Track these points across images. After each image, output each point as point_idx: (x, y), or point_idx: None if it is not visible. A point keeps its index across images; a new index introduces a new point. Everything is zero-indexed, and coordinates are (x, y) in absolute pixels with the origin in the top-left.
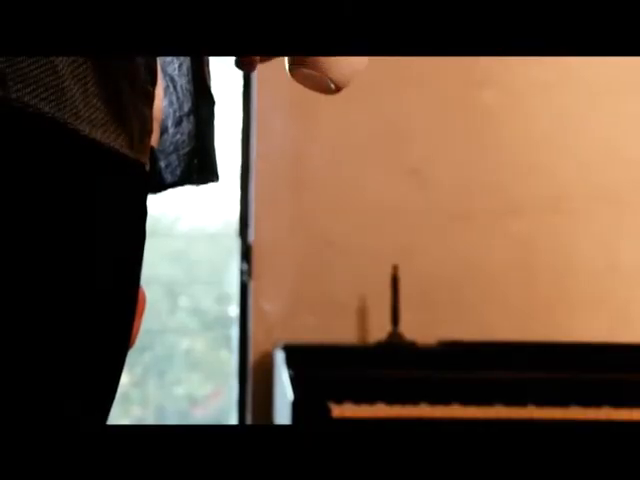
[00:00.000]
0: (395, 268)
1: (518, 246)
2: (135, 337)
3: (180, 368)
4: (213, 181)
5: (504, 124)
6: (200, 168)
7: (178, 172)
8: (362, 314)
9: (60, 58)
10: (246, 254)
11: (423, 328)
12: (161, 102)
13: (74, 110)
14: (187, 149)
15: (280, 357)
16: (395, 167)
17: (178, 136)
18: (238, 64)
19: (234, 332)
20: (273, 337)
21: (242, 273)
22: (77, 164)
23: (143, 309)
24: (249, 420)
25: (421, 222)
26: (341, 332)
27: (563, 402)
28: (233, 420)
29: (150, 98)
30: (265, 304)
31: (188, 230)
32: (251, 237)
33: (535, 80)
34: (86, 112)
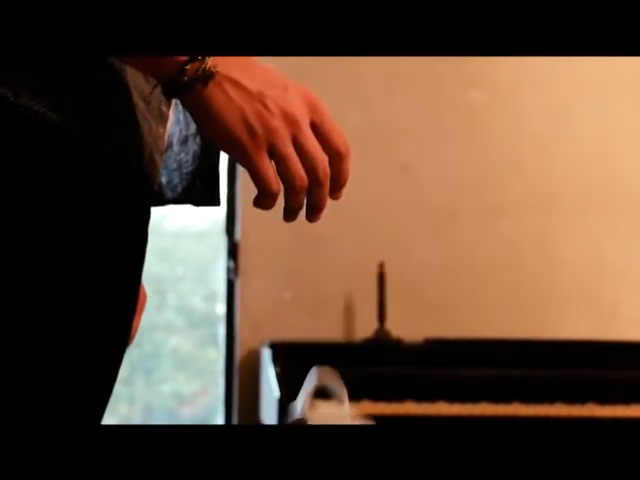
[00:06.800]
0: (382, 265)
1: (506, 244)
2: (134, 334)
3: (167, 366)
4: (213, 205)
5: (493, 123)
6: (202, 190)
7: (179, 190)
8: (349, 311)
9: (72, 70)
10: (233, 252)
11: (410, 325)
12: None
13: (84, 123)
14: (190, 169)
15: (267, 355)
16: (383, 165)
17: (182, 155)
18: (256, 203)
19: (221, 330)
20: (260, 335)
21: (229, 271)
22: (80, 172)
23: (143, 306)
24: (236, 418)
25: (409, 220)
26: (328, 329)
27: (548, 399)
28: (220, 418)
29: (164, 118)
30: (252, 302)
31: (175, 228)
32: (238, 235)
33: (523, 80)
34: (98, 126)
